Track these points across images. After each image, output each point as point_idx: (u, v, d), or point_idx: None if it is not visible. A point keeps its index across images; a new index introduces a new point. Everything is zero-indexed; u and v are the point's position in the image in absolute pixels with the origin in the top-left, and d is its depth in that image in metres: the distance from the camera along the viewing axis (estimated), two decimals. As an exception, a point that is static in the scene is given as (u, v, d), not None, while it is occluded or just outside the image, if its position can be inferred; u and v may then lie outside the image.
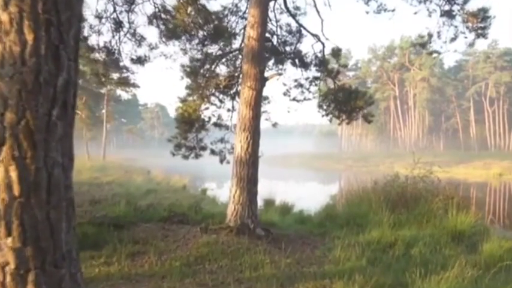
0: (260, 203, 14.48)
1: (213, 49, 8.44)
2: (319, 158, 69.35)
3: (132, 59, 7.51)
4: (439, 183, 10.65)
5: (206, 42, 8.13)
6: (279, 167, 62.22)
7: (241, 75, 7.25)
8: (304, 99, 9.59)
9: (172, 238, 6.33)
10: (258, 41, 6.95)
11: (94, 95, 43.62)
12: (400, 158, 57.96)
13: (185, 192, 19.99)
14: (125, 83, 43.25)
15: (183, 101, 8.61)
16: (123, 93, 56.46)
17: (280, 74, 7.96)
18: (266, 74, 7.35)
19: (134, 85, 48.37)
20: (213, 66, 8.21)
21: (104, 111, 51.94)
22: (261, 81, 6.94)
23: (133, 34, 7.27)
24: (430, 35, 7.56)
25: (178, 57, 7.86)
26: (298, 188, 33.52)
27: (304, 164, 65.64)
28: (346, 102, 8.41)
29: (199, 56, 8.14)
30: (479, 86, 72.46)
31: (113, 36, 7.39)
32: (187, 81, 8.41)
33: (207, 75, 8.12)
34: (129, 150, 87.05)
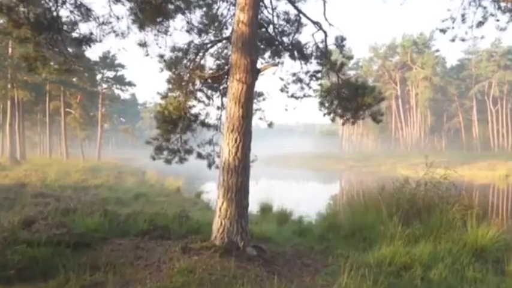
0: (256, 208, 13.55)
1: (200, 38, 7.38)
2: (319, 158, 68.30)
3: (75, 38, 6.29)
4: (453, 188, 9.61)
5: (191, 31, 7.10)
6: (279, 167, 61.28)
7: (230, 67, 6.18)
8: (304, 95, 8.52)
9: (145, 261, 5.27)
10: (249, 26, 5.89)
11: (89, 94, 42.57)
12: (402, 159, 57.02)
13: (178, 195, 18.93)
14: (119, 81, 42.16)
15: (164, 97, 7.55)
16: (121, 93, 55.56)
17: (276, 65, 6.90)
18: (259, 66, 6.28)
19: (129, 83, 47.61)
20: (198, 57, 7.14)
21: (101, 110, 50.95)
22: (253, 73, 5.88)
23: (78, 5, 6.11)
24: (452, 19, 6.48)
25: (131, 35, 6.64)
26: (298, 190, 32.46)
27: (304, 164, 64.62)
28: (351, 99, 7.33)
29: (181, 45, 7.05)
30: (482, 85, 71.33)
31: (49, 8, 6.19)
32: (169, 74, 7.34)
33: (191, 67, 7.05)
34: (128, 150, 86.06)
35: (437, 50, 75.41)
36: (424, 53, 73.82)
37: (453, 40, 6.79)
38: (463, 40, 6.73)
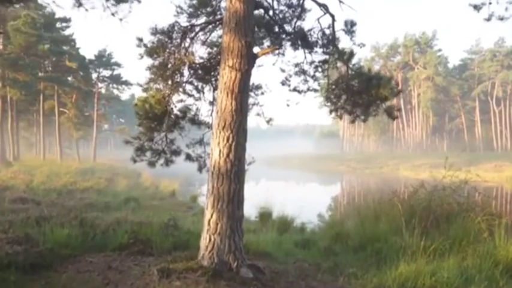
0: (255, 213, 12.58)
1: (189, 21, 6.35)
2: (320, 160, 67.32)
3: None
4: (475, 194, 8.64)
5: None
6: (279, 168, 60.34)
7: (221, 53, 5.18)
8: (308, 89, 7.49)
9: (114, 288, 4.27)
10: (243, 3, 4.92)
11: (85, 93, 41.49)
12: (404, 160, 56.04)
13: (173, 199, 17.96)
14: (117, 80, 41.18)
15: (146, 89, 6.55)
16: (120, 93, 54.57)
17: (276, 48, 5.90)
18: (256, 51, 5.29)
19: (126, 82, 46.52)
20: (186, 42, 6.12)
21: (101, 110, 50.09)
22: (248, 58, 4.90)
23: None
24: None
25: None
26: (300, 192, 31.44)
27: (306, 165, 63.64)
28: (363, 92, 6.33)
29: (164, 27, 5.99)
30: (485, 86, 70.27)
31: None
32: (150, 61, 6.30)
33: (176, 53, 6.04)
34: (127, 151, 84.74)
35: (440, 50, 74.51)
36: (427, 53, 72.84)
37: (489, 19, 5.77)
38: (501, 19, 5.71)
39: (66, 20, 36.19)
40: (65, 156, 44.65)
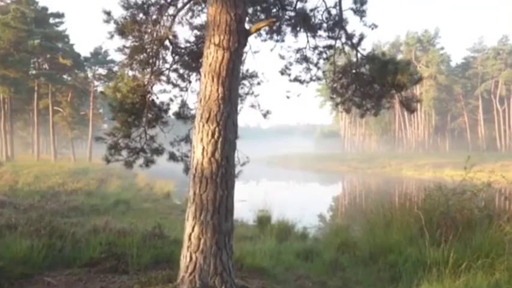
0: (253, 217, 11.65)
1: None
2: (322, 159, 66.39)
3: None
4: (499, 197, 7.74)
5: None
6: (280, 168, 59.48)
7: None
8: (311, 79, 6.57)
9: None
10: (233, -33, 3.98)
11: (80, 92, 40.51)
12: (406, 159, 55.07)
13: (167, 201, 17.03)
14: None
15: (117, 76, 5.63)
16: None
17: (273, 22, 4.94)
18: (249, 27, 4.36)
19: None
20: (166, 20, 5.15)
21: (99, 110, 49.22)
22: (239, 35, 3.97)
23: None
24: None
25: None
26: (301, 193, 30.49)
27: (307, 165, 62.74)
28: (376, 80, 5.40)
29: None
30: (488, 84, 69.27)
31: None
32: (122, 42, 5.35)
33: (154, 33, 5.09)
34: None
35: (442, 48, 73.59)
36: (429, 51, 71.89)
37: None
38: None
39: (59, 15, 35.16)
40: (60, 156, 43.77)
